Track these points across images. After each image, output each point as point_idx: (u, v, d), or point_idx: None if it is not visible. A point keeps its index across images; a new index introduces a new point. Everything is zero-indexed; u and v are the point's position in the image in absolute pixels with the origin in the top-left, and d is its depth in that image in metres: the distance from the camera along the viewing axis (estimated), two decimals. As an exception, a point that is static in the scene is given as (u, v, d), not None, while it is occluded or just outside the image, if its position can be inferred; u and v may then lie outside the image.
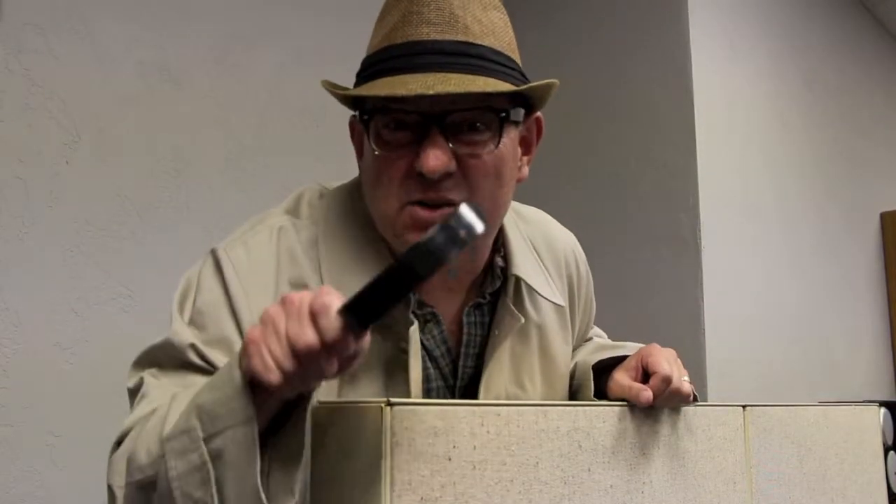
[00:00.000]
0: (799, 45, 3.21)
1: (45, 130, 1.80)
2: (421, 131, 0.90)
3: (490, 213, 0.95)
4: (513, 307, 1.03)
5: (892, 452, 2.44)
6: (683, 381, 0.99)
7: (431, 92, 0.86)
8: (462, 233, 0.66)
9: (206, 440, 0.73)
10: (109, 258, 1.87)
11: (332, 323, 0.68)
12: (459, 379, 1.03)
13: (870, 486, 1.45)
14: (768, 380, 2.70)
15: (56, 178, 1.80)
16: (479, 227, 0.67)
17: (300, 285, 0.94)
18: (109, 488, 0.85)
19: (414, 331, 0.95)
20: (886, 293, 3.71)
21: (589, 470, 0.91)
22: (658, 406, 0.99)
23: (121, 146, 1.92)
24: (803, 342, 2.99)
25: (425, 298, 1.00)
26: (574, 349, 1.19)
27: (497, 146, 0.93)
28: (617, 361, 1.08)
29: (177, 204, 2.00)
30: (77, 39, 1.87)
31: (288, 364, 0.69)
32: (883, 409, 2.37)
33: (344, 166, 1.17)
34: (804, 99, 3.21)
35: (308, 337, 0.68)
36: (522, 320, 1.04)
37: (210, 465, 0.73)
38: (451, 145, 0.90)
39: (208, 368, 0.90)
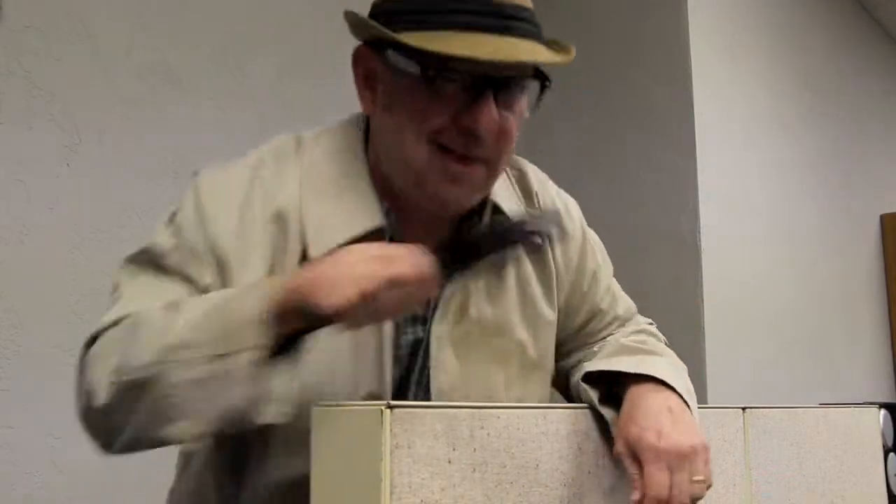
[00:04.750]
0: (798, 46, 3.21)
1: (46, 133, 1.80)
2: (474, 89, 0.90)
3: (503, 167, 1.00)
4: None
5: (891, 454, 2.44)
6: (687, 488, 0.87)
7: (510, 59, 0.87)
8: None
9: (214, 358, 0.79)
10: (110, 260, 1.85)
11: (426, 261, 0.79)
12: (431, 309, 0.99)
13: (869, 488, 1.45)
14: (768, 381, 2.70)
15: (57, 180, 1.81)
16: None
17: (279, 215, 0.96)
18: (87, 385, 0.88)
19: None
20: (886, 294, 3.71)
21: (589, 472, 0.91)
22: None
23: (121, 148, 1.92)
24: (803, 343, 2.99)
25: (406, 236, 0.98)
26: (582, 327, 1.12)
27: (527, 112, 0.96)
28: (614, 374, 1.00)
29: (177, 205, 2.00)
30: (77, 41, 1.87)
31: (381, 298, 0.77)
32: (882, 411, 2.36)
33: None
34: (804, 100, 3.21)
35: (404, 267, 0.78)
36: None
37: (212, 381, 0.79)
38: (497, 108, 0.91)
39: (180, 273, 0.95)
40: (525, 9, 0.92)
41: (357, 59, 1.00)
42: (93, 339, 0.92)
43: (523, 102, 0.96)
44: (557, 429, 0.89)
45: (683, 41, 2.51)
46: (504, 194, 1.05)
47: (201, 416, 0.80)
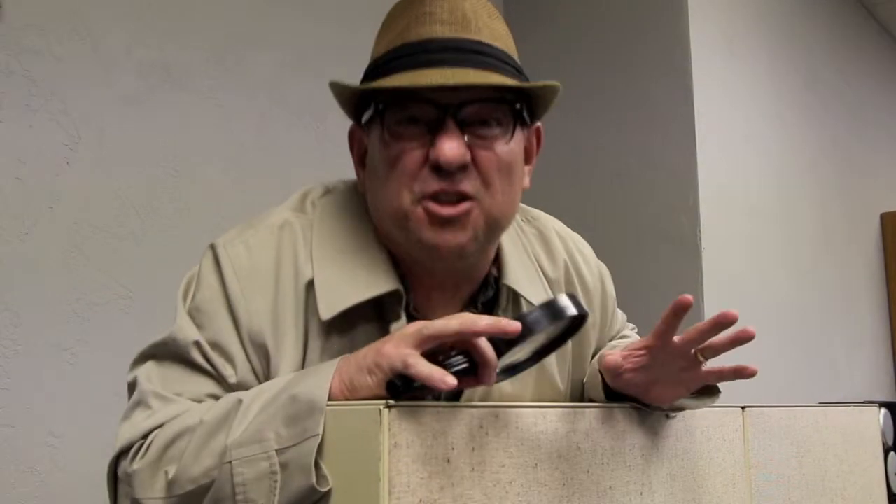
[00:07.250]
0: (799, 45, 3.21)
1: (46, 131, 1.80)
2: (435, 124, 0.89)
3: (501, 212, 0.94)
4: None
5: (891, 453, 2.44)
6: None
7: (451, 82, 0.86)
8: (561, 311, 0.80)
9: (279, 452, 0.77)
10: (109, 259, 1.87)
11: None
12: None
13: (869, 487, 1.45)
14: (768, 380, 2.70)
15: (56, 178, 1.80)
16: (573, 311, 0.80)
17: (301, 277, 0.94)
18: (136, 501, 0.84)
19: (399, 325, 0.93)
20: (886, 293, 3.71)
21: (588, 471, 0.91)
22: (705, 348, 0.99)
23: (121, 147, 1.92)
24: (803, 342, 2.99)
25: (419, 306, 0.98)
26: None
27: (509, 141, 0.93)
28: None
29: (177, 204, 2.00)
30: (77, 40, 1.87)
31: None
32: (882, 410, 2.37)
33: (344, 166, 1.17)
34: (804, 99, 3.21)
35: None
36: None
37: (279, 475, 0.76)
38: (465, 138, 0.89)
39: (209, 369, 0.90)
40: (488, 45, 0.92)
41: (351, 139, 1.00)
42: (125, 451, 0.87)
43: (501, 133, 0.93)
44: (556, 428, 0.89)
45: (684, 39, 2.51)
46: (521, 271, 1.04)
47: None
